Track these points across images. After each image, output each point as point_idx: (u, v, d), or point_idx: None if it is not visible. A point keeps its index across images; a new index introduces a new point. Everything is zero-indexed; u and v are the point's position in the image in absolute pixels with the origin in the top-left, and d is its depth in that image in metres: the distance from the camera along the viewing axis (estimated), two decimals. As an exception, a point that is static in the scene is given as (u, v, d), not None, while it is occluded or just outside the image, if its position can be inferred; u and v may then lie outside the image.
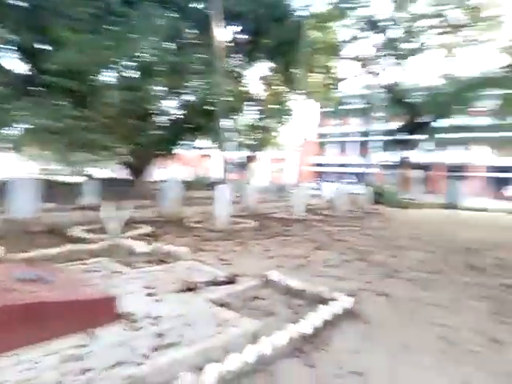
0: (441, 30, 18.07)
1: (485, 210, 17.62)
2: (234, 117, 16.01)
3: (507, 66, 16.83)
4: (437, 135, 22.99)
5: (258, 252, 5.84)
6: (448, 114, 19.87)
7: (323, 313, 3.00)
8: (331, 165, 54.35)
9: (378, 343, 2.81)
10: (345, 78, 19.13)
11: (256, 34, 13.79)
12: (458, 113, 20.85)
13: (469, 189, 20.25)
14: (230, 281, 3.81)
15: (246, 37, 14.67)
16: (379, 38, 18.41)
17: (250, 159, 22.76)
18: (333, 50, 18.53)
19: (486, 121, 20.99)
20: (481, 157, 36.02)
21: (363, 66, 19.99)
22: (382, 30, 17.61)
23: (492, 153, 32.57)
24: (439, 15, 17.53)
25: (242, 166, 24.12)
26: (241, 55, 15.39)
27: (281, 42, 13.58)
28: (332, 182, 35.45)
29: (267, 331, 2.60)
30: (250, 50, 14.86)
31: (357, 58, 19.96)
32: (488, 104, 20.96)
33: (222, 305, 3.15)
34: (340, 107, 21.67)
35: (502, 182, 39.84)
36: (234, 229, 7.88)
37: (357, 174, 49.05)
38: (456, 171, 40.27)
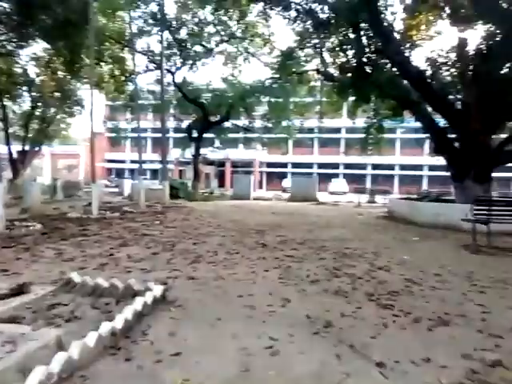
0: (221, 39, 19.94)
1: (266, 199, 20.81)
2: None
3: (270, 78, 20.14)
4: (226, 134, 25.37)
5: (51, 256, 5.08)
6: (232, 114, 22.23)
7: (135, 305, 2.89)
8: (127, 161, 52.50)
9: (192, 322, 2.92)
10: (138, 72, 18.66)
11: (29, 8, 11.71)
12: (241, 115, 23.63)
13: (253, 182, 23.33)
14: (19, 292, 3.18)
15: (16, 9, 12.29)
16: (168, 36, 18.77)
17: (32, 154, 19.44)
18: (123, 40, 17.78)
19: (259, 124, 24.58)
20: (261, 154, 42.06)
21: (153, 61, 20.01)
22: (168, 28, 18.00)
23: (266, 151, 38.49)
24: (222, 24, 19.29)
25: (18, 161, 20.39)
26: (10, 30, 12.83)
27: (63, 21, 12.00)
28: (129, 178, 34.35)
29: (74, 336, 2.31)
30: (20, 26, 12.54)
31: (148, 53, 19.80)
32: (262, 109, 24.69)
33: (11, 320, 2.60)
34: (133, 102, 21.05)
35: (279, 176, 47.91)
36: (14, 234, 6.58)
37: (154, 170, 49.13)
38: (243, 167, 45.82)
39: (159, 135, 18.51)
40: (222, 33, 19.75)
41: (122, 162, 52.95)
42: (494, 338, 2.74)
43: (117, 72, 20.22)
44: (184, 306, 3.26)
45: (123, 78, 20.52)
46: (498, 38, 10.28)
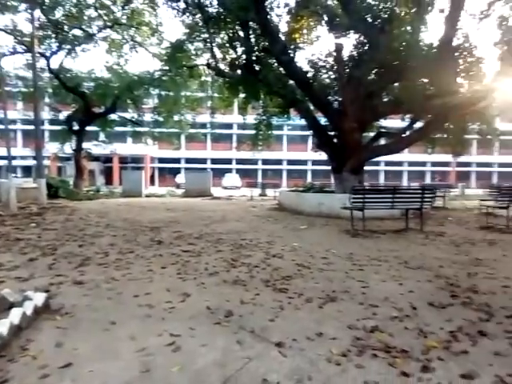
0: (104, 24, 18.47)
1: (160, 195, 20.13)
2: None
3: (160, 70, 19.47)
4: (112, 127, 23.66)
5: None
6: (119, 106, 20.85)
7: (11, 318, 2.51)
8: (-10, 158, 45.23)
9: (83, 330, 2.66)
10: (2, 54, 16.14)
11: None
12: (129, 107, 22.32)
13: (144, 178, 22.30)
14: None
15: None
16: (40, 16, 16.60)
17: None
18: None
19: (149, 117, 23.53)
20: (151, 149, 40.32)
21: (22, 43, 17.54)
22: (40, 7, 15.94)
23: (157, 146, 37.11)
24: (104, 8, 17.87)
25: None
26: None
27: None
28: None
29: None
30: None
31: (15, 32, 17.27)
32: (152, 102, 23.70)
33: None
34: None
35: (172, 172, 46.72)
36: None
37: (27, 167, 43.29)
38: (132, 162, 43.43)
39: (32, 127, 16.29)
40: (105, 18, 18.29)
41: (-15, 157, 45.39)
42: (372, 308, 3.12)
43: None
44: (72, 313, 2.95)
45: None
46: (366, 47, 11.68)
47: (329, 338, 2.57)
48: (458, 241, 6.46)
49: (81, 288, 3.62)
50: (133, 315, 2.95)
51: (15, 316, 2.52)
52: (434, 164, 50.70)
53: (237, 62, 14.07)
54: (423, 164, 51.33)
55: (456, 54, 10.95)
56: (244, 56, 13.65)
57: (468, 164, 49.76)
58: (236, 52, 14.17)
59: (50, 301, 3.06)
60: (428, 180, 50.15)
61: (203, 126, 25.69)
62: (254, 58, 13.48)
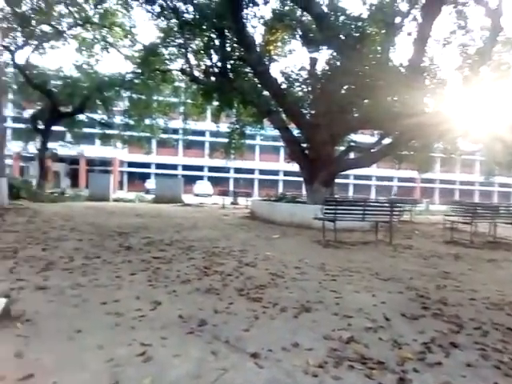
0: (75, 21, 17.94)
1: (128, 200, 19.59)
2: None
3: (132, 73, 19.14)
4: (80, 128, 22.88)
5: None
6: (88, 107, 20.22)
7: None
8: None
9: (45, 338, 2.50)
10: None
11: None
12: (99, 108, 21.69)
13: (113, 182, 21.64)
14: None
15: None
16: (4, 6, 15.88)
17: None
18: None
19: (119, 120, 22.96)
20: (120, 152, 39.32)
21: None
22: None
23: (126, 149, 36.20)
24: (75, 5, 17.36)
25: None
26: None
27: None
28: None
29: None
30: None
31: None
32: (123, 104, 23.15)
33: None
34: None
35: (141, 176, 45.75)
36: None
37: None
38: (99, 165, 42.12)
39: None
40: (77, 15, 17.75)
41: None
42: (346, 319, 3.13)
43: None
44: (34, 320, 2.77)
45: None
46: (338, 63, 12.00)
47: (305, 348, 2.54)
48: (426, 254, 6.67)
49: (44, 294, 3.41)
50: (100, 323, 2.80)
51: (-29, 324, 2.33)
52: (400, 179, 52.57)
53: (211, 70, 14.03)
54: (390, 179, 53.11)
55: (423, 75, 11.46)
56: (219, 64, 13.65)
57: (432, 181, 52.01)
58: (211, 59, 14.13)
59: (11, 307, 2.85)
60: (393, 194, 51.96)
61: (175, 131, 25.38)
62: (229, 66, 13.51)
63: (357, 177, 50.30)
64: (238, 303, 3.42)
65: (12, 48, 17.39)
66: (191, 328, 2.80)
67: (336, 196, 13.86)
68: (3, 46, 16.40)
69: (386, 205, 8.32)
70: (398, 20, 12.57)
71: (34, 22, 17.20)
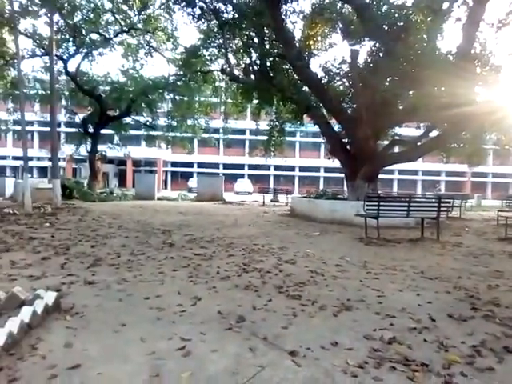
0: (121, 28, 18.74)
1: (172, 199, 20.22)
2: None
3: (174, 75, 19.68)
4: (126, 131, 23.89)
5: None
6: (133, 110, 21.06)
7: (21, 316, 2.48)
8: (9, 157, 46.33)
9: (92, 331, 2.62)
10: (22, 57, 16.45)
11: None
12: (144, 110, 22.52)
13: (157, 181, 22.44)
14: None
15: None
16: (58, 19, 16.89)
17: None
18: (1, 18, 15.54)
19: (163, 121, 23.70)
20: (164, 153, 40.66)
21: (41, 46, 17.88)
22: (59, 11, 16.23)
23: (170, 150, 37.31)
24: (121, 13, 18.14)
25: None
26: None
27: None
28: (12, 176, 30.22)
29: None
30: None
31: (35, 36, 17.62)
32: (166, 106, 23.89)
33: None
34: (16, 90, 18.45)
35: (184, 176, 47.12)
36: None
37: (42, 168, 44.08)
38: (145, 165, 43.86)
39: (48, 129, 16.56)
40: (122, 22, 18.56)
41: (3, 158, 46.47)
42: (389, 318, 3.01)
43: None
44: (82, 313, 2.92)
45: (2, 62, 17.96)
46: (381, 54, 11.58)
47: (344, 348, 2.47)
48: (476, 252, 6.28)
49: (92, 288, 3.59)
50: (143, 317, 2.90)
51: (26, 314, 2.50)
52: (448, 174, 49.98)
53: (251, 68, 14.08)
54: (438, 173, 50.64)
55: (473, 62, 10.77)
56: (258, 61, 13.66)
57: (484, 174, 48.92)
58: (250, 57, 14.19)
59: (61, 300, 3.03)
60: (443, 190, 49.43)
61: (216, 131, 25.79)
62: (268, 63, 13.48)
63: (401, 172, 48.41)
64: (277, 300, 3.40)
65: (65, 57, 18.51)
66: (230, 324, 2.82)
67: (379, 192, 13.42)
68: (57, 56, 17.48)
69: (433, 200, 7.92)
70: (445, 5, 11.90)
71: (84, 32, 18.21)
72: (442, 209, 7.49)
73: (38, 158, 44.01)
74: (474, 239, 7.87)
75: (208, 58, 17.29)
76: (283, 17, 12.33)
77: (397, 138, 13.91)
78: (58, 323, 2.70)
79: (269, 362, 2.25)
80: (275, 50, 13.40)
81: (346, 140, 12.61)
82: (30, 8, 16.45)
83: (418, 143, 12.49)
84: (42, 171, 43.89)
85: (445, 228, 9.18)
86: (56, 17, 16.12)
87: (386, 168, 13.74)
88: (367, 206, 7.19)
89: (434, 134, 12.63)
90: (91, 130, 21.31)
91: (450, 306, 3.38)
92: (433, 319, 3.01)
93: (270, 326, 2.79)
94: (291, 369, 2.19)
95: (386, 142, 13.66)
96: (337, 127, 13.17)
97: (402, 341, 2.58)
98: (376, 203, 7.23)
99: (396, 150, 14.40)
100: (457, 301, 3.54)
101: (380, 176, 12.60)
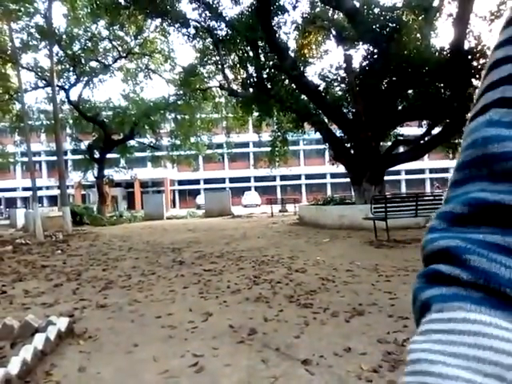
0: (119, 54, 19.17)
1: (181, 217, 20.31)
2: None
3: (174, 95, 20.00)
4: (131, 153, 24.20)
5: None
6: (137, 132, 21.37)
7: (35, 343, 2.51)
8: (18, 189, 47.10)
9: (105, 353, 2.64)
10: (25, 90, 16.89)
11: None
12: (147, 132, 22.84)
13: (165, 201, 22.57)
14: None
15: None
16: (58, 51, 17.37)
17: None
18: (4, 54, 16.02)
19: (166, 141, 24.00)
20: (171, 172, 41.00)
21: (42, 78, 18.37)
22: (58, 43, 16.70)
23: (176, 168, 37.64)
24: (118, 39, 18.58)
25: None
26: None
27: None
28: (22, 207, 30.65)
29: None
30: None
31: (36, 69, 18.10)
32: (168, 126, 24.22)
33: None
34: (21, 123, 18.91)
35: (192, 193, 47.37)
36: None
37: (52, 197, 44.69)
38: (152, 186, 44.21)
39: (55, 158, 16.87)
40: (120, 48, 19.00)
41: (13, 190, 47.24)
42: (402, 320, 2.98)
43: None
44: (95, 336, 2.94)
45: (7, 97, 18.45)
46: (375, 57, 11.65)
47: (358, 353, 2.45)
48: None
49: (104, 311, 3.62)
50: (155, 337, 2.91)
51: (39, 341, 2.52)
52: (456, 169, 49.33)
53: (248, 81, 14.25)
54: (446, 170, 50.19)
55: (468, 56, 10.77)
56: (255, 74, 13.83)
57: (493, 168, 48.22)
58: (247, 71, 14.39)
59: (74, 325, 3.06)
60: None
61: (219, 146, 25.99)
62: (265, 75, 13.65)
63: (408, 172, 48.09)
64: (288, 310, 3.38)
65: (66, 87, 18.94)
66: (242, 337, 2.81)
67: (387, 193, 13.35)
68: (59, 87, 17.90)
69: (442, 197, 7.84)
70: (436, 3, 11.99)
71: (83, 61, 18.66)
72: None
73: (47, 187, 44.67)
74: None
75: (206, 75, 17.57)
76: (276, 29, 12.53)
77: (400, 138, 13.85)
78: (72, 348, 2.72)
79: (282, 373, 2.23)
80: (271, 62, 13.56)
81: (349, 144, 12.61)
82: (30, 42, 16.98)
83: (421, 141, 12.44)
84: (52, 200, 44.52)
85: (456, 224, 9.06)
86: (55, 48, 16.58)
87: (392, 169, 13.67)
88: (374, 208, 7.15)
89: (436, 131, 12.57)
90: (97, 155, 21.62)
91: (464, 302, 3.33)
92: (447, 317, 2.96)
93: (281, 337, 2.78)
94: (304, 378, 2.17)
95: (389, 143, 13.62)
96: (338, 132, 13.19)
97: (412, 341, 2.54)
98: (383, 205, 7.19)
99: (400, 150, 14.33)
100: (471, 297, 3.48)
101: (386, 177, 12.53)
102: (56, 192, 36.86)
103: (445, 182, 49.74)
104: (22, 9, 14.14)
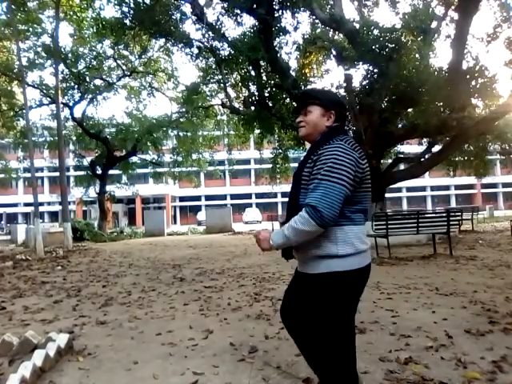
0: (123, 73, 19.52)
1: (182, 233, 20.26)
2: None
3: (177, 112, 20.25)
4: (133, 169, 24.32)
5: None
6: (139, 149, 21.53)
7: (34, 360, 2.48)
8: (20, 204, 47.18)
9: (105, 371, 2.61)
10: (30, 107, 17.13)
11: None
12: (149, 149, 23.01)
13: (166, 217, 22.56)
14: None
15: None
16: (63, 69, 17.69)
17: None
18: (11, 72, 16.35)
19: (168, 157, 24.18)
20: (172, 188, 41.11)
21: (47, 95, 18.67)
22: (64, 61, 17.02)
23: (177, 185, 37.76)
24: (122, 58, 18.92)
25: None
26: None
27: None
28: (23, 223, 30.67)
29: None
30: None
31: (42, 87, 18.41)
32: (171, 143, 24.44)
33: None
34: (25, 139, 19.11)
35: (193, 209, 47.34)
36: None
37: (53, 213, 44.73)
38: (153, 202, 44.25)
39: (57, 174, 16.97)
40: (124, 67, 19.34)
41: (14, 205, 47.33)
42: (404, 338, 2.95)
43: (4, 107, 18.41)
44: (95, 353, 2.92)
45: (12, 114, 18.71)
46: (375, 76, 11.84)
47: (360, 371, 2.41)
48: (492, 264, 6.15)
49: (104, 328, 3.59)
50: (155, 354, 2.88)
51: (38, 358, 2.50)
52: (457, 187, 49.51)
53: (250, 100, 14.45)
54: (447, 188, 50.20)
55: (467, 76, 10.94)
56: (257, 93, 14.04)
57: (494, 185, 48.36)
58: (249, 90, 14.60)
59: (74, 342, 3.03)
60: (453, 204, 48.78)
61: (221, 162, 26.14)
62: (266, 94, 13.85)
63: (410, 189, 48.08)
64: (289, 328, 3.35)
65: (70, 104, 19.20)
66: (242, 355, 2.78)
67: (388, 211, 13.34)
68: (63, 104, 18.16)
69: (443, 215, 7.83)
70: (434, 24, 12.25)
71: (87, 79, 18.97)
72: (451, 223, 7.40)
73: (49, 203, 44.80)
74: (488, 251, 7.72)
75: (208, 93, 17.81)
76: (277, 49, 12.78)
77: (400, 155, 13.95)
78: (71, 365, 2.69)
79: (283, 392, 2.21)
80: (272, 81, 13.79)
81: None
82: (36, 61, 17.33)
83: (422, 159, 12.51)
84: (54, 215, 44.56)
85: (458, 242, 9.04)
86: (61, 67, 16.87)
87: (394, 186, 13.74)
88: (376, 225, 7.15)
89: (436, 148, 12.66)
90: (99, 171, 21.73)
91: (467, 321, 3.30)
92: (449, 336, 2.94)
93: (283, 355, 2.75)
94: (306, 397, 2.14)
95: (390, 161, 13.70)
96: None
97: (418, 360, 2.52)
98: (384, 222, 7.18)
99: (401, 167, 14.41)
100: (473, 315, 3.45)
101: (388, 195, 12.56)
102: (57, 208, 36.93)
103: (445, 199, 49.82)
104: (31, 29, 14.49)
